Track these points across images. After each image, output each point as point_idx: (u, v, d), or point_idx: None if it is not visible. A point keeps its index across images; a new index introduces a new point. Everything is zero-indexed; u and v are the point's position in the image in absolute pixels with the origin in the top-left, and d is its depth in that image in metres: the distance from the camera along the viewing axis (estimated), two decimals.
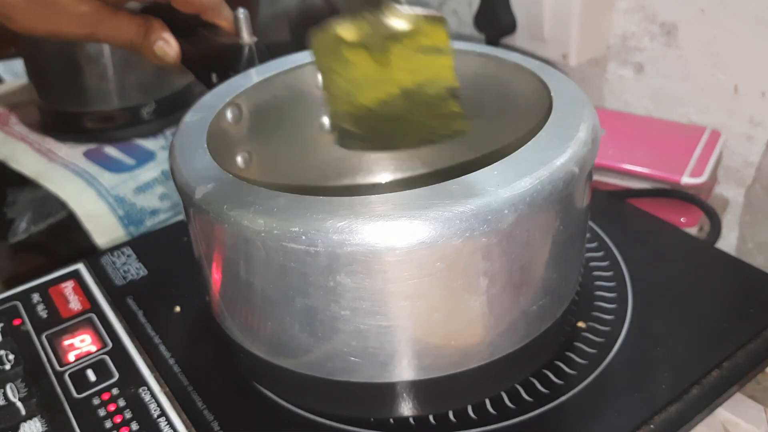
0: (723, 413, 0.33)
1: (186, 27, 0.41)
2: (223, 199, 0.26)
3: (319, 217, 0.25)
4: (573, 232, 0.30)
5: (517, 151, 0.27)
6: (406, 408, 0.30)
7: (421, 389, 0.29)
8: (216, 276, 0.30)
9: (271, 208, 0.25)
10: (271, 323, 0.29)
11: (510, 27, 0.61)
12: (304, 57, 0.39)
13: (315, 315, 0.27)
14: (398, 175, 0.45)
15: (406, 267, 0.25)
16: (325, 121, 0.42)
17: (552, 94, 0.32)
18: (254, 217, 0.25)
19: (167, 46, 0.39)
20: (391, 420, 0.30)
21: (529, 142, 0.28)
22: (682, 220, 0.48)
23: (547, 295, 0.30)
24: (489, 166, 0.27)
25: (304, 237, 0.25)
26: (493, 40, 0.63)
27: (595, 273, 0.38)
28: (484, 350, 0.29)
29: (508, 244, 0.26)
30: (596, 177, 0.52)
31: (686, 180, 0.48)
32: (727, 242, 0.57)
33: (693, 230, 0.49)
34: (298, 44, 0.34)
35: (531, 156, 0.27)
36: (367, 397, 0.30)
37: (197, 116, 0.33)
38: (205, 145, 0.30)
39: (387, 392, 0.29)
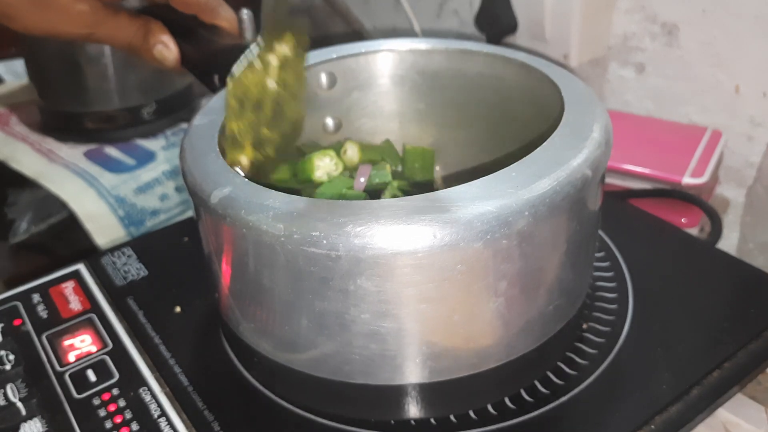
0: (724, 414, 0.32)
1: (186, 28, 0.40)
2: (241, 204, 0.26)
3: (340, 221, 0.24)
4: (588, 231, 0.30)
5: (533, 153, 0.27)
6: (423, 409, 0.30)
7: (438, 391, 0.29)
8: (229, 278, 0.30)
9: (290, 212, 0.25)
10: (288, 327, 0.29)
11: (511, 27, 0.60)
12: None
13: (334, 319, 0.27)
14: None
15: (427, 270, 0.25)
16: (329, 121, 0.42)
17: (563, 94, 0.32)
18: (274, 222, 0.25)
19: (166, 49, 0.39)
20: (392, 421, 0.30)
21: (545, 143, 0.28)
22: (683, 220, 0.48)
23: (563, 296, 0.30)
24: (506, 168, 0.26)
25: (325, 241, 0.24)
26: (494, 40, 0.62)
27: (596, 273, 0.38)
28: (502, 351, 0.29)
29: (528, 246, 0.26)
30: None
31: (687, 180, 0.48)
32: (728, 242, 0.57)
33: (694, 230, 0.48)
34: None
35: (547, 157, 0.27)
36: (384, 400, 0.30)
37: (206, 119, 0.33)
38: (218, 149, 0.30)
39: (406, 394, 0.29)
